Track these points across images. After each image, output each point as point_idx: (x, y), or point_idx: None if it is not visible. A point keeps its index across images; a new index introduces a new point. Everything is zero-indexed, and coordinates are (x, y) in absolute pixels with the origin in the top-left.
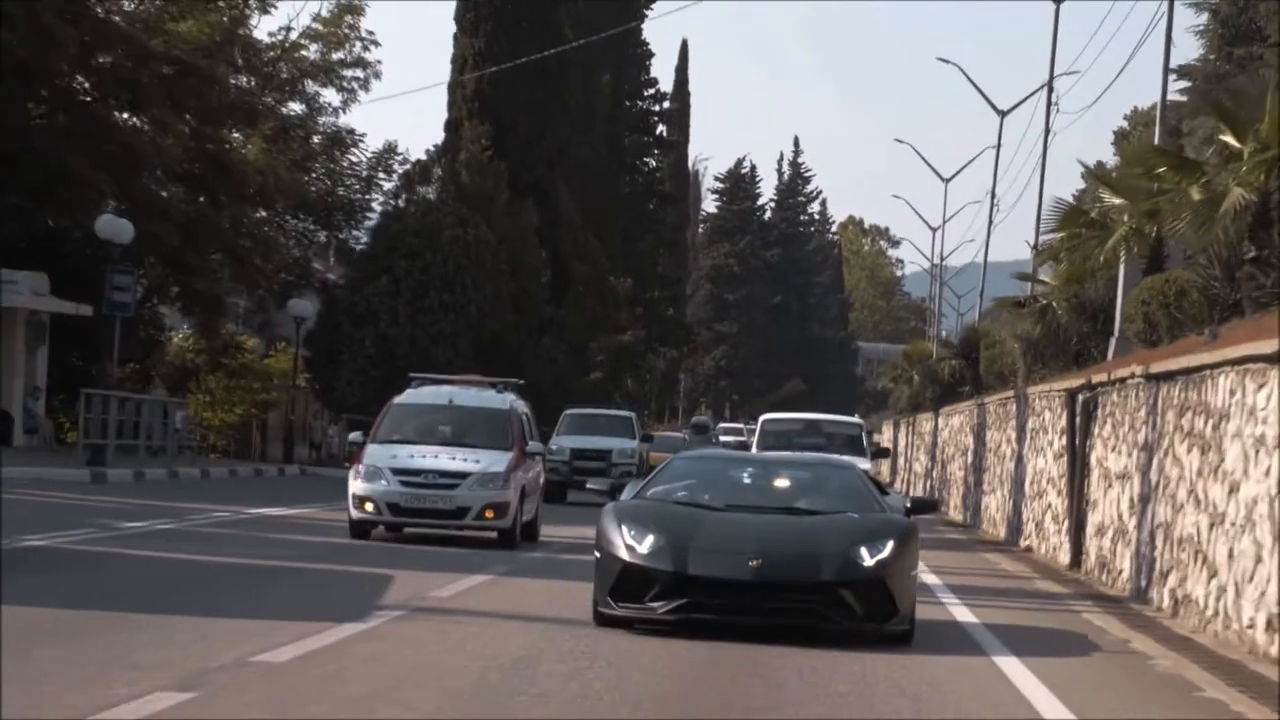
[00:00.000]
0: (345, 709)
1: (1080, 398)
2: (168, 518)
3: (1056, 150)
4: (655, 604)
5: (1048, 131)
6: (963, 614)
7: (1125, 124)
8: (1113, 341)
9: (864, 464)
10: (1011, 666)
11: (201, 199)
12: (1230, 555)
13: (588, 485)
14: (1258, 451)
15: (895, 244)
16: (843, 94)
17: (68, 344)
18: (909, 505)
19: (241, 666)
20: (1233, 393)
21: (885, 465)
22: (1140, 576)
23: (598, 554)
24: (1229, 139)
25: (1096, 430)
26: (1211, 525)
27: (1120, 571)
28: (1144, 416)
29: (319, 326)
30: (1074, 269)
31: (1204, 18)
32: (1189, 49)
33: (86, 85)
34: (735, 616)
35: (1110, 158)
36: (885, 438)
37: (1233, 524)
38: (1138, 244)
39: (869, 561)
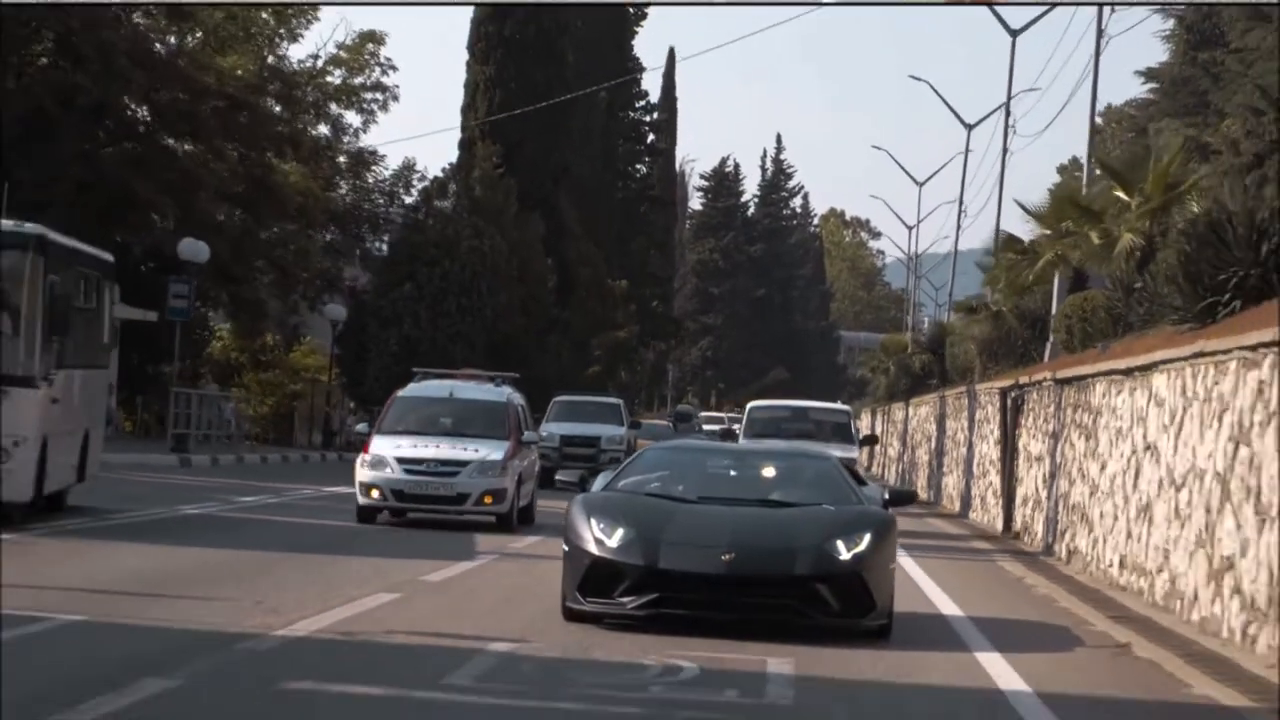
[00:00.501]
0: (497, 605)
1: (1011, 395)
2: (267, 494)
3: (1038, 144)
4: (625, 599)
5: (1005, 152)
6: (907, 562)
7: (1100, 120)
8: (1048, 346)
9: (851, 452)
10: (930, 588)
11: (248, 217)
12: (1100, 516)
13: (556, 478)
14: (1117, 439)
15: (876, 235)
16: (826, 88)
17: (128, 346)
18: (887, 497)
19: (415, 583)
20: (1104, 395)
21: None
22: (1048, 535)
23: (566, 548)
24: (1120, 194)
25: (1023, 421)
26: (1091, 494)
27: (1036, 533)
28: (1053, 411)
29: (347, 327)
30: (1011, 285)
31: (1170, 23)
32: (1156, 52)
33: (149, 118)
34: (707, 612)
35: (1084, 151)
36: (864, 425)
37: (1103, 492)
38: (1060, 269)
39: (845, 555)
